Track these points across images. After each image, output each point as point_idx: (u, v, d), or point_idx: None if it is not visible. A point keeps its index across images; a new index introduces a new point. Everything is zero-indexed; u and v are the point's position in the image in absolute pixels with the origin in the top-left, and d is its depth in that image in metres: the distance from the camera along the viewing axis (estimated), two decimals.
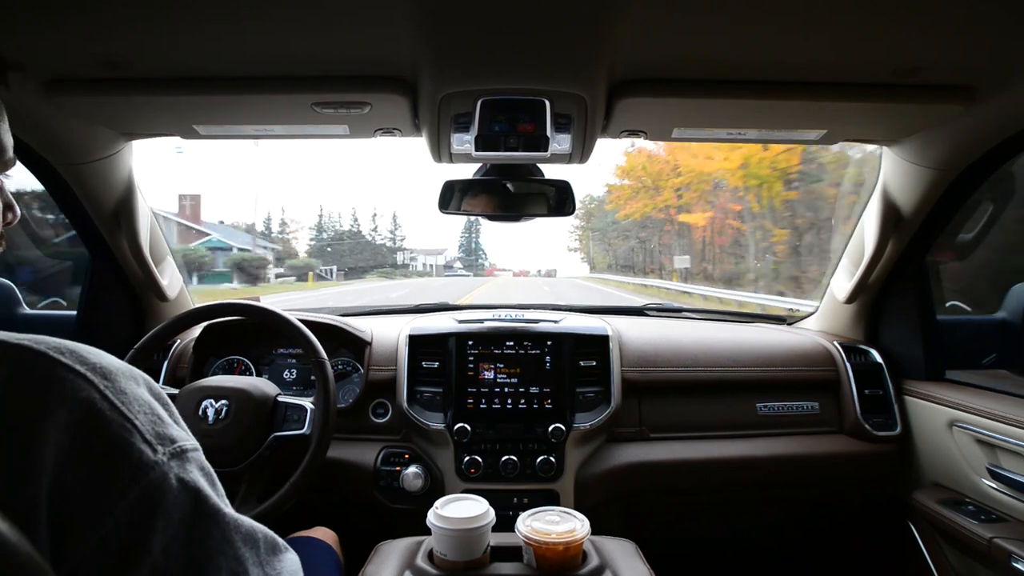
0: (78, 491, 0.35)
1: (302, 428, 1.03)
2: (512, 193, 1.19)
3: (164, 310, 1.45)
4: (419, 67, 0.86)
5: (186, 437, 0.43)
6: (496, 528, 0.83)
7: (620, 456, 1.25)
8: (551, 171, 1.19)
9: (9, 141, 0.52)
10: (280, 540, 0.49)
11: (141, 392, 0.42)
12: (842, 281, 1.43)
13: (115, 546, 0.36)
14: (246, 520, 0.45)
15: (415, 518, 0.92)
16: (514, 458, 1.19)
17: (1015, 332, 1.37)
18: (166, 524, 0.38)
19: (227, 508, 0.43)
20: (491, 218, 1.21)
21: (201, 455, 0.44)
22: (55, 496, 0.35)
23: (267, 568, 0.45)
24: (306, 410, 1.05)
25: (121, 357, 0.44)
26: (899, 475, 1.30)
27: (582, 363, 1.28)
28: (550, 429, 1.20)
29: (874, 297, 1.41)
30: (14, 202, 0.53)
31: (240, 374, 1.33)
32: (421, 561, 0.82)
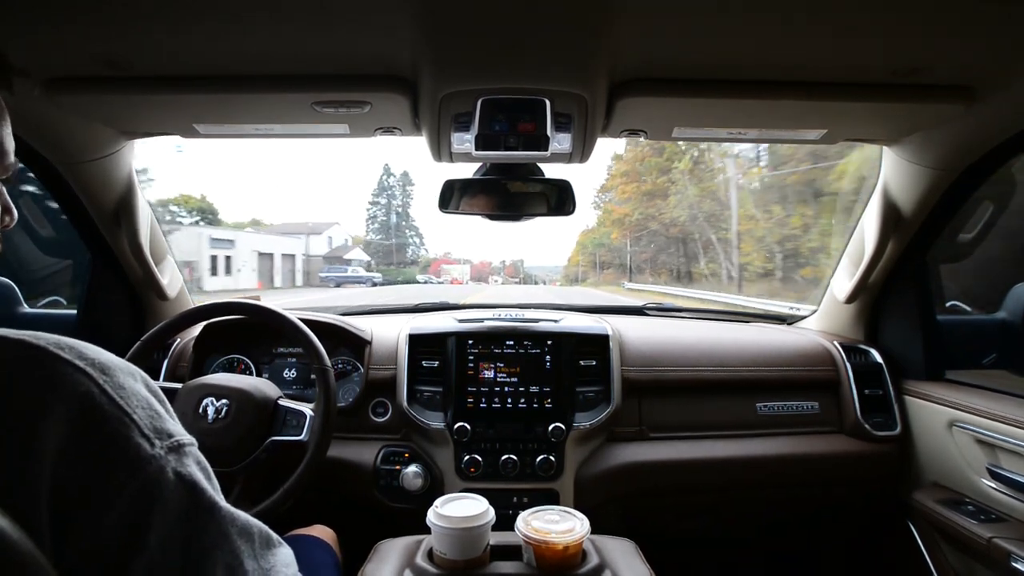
0: (78, 486, 0.36)
1: (300, 434, 1.03)
2: (512, 192, 1.19)
3: (164, 309, 1.45)
4: (419, 66, 0.86)
5: (183, 432, 0.43)
6: (496, 527, 0.83)
7: (620, 456, 1.25)
8: (551, 171, 1.19)
9: (11, 144, 0.52)
10: (274, 535, 0.49)
11: (138, 387, 0.42)
12: (842, 281, 1.43)
13: (114, 540, 0.36)
14: (241, 514, 0.45)
15: (415, 517, 0.92)
16: (514, 457, 1.19)
17: (1015, 332, 1.37)
18: (163, 517, 0.38)
19: (223, 502, 0.44)
20: (491, 218, 1.21)
21: (197, 450, 0.44)
22: (55, 491, 0.35)
23: (261, 561, 0.46)
24: (305, 416, 1.04)
25: (121, 355, 0.44)
26: (899, 475, 1.30)
27: (582, 363, 1.28)
28: (550, 428, 1.20)
29: (874, 297, 1.41)
30: (12, 205, 0.53)
31: (240, 373, 1.33)
32: (421, 560, 0.82)
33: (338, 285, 19.70)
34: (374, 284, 21.15)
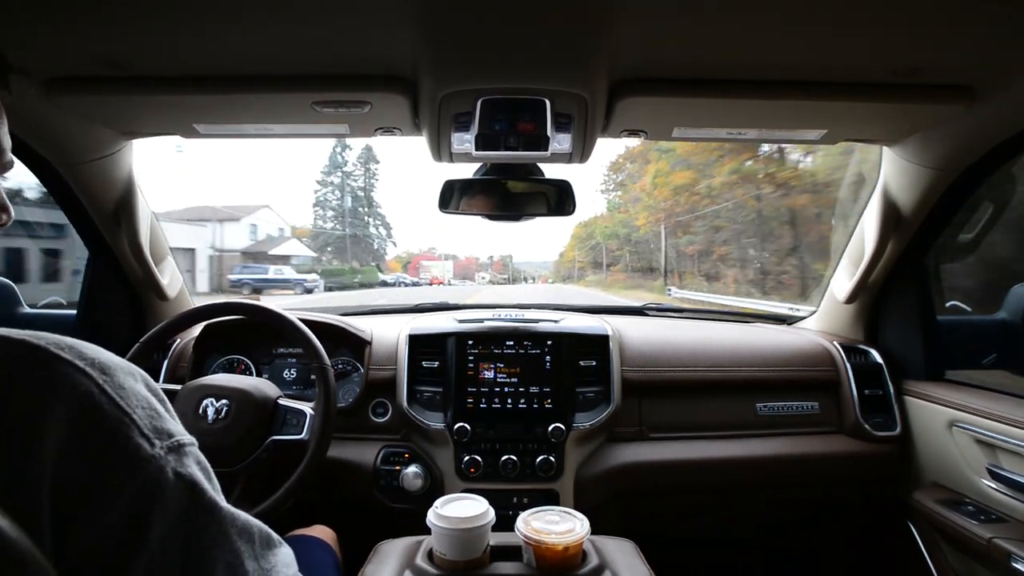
0: (78, 485, 0.36)
1: (300, 433, 1.03)
2: (512, 192, 1.19)
3: (164, 309, 1.45)
4: (419, 66, 0.86)
5: (183, 432, 0.43)
6: (496, 528, 0.83)
7: (620, 456, 1.24)
8: (551, 171, 1.19)
9: (7, 142, 0.52)
10: (274, 535, 0.49)
11: (139, 387, 0.42)
12: (842, 281, 1.43)
13: (114, 539, 0.36)
14: (242, 514, 0.45)
15: (415, 518, 0.92)
16: (514, 458, 1.19)
17: (1015, 332, 1.37)
18: (163, 517, 0.38)
19: (223, 502, 0.44)
20: (491, 218, 1.21)
21: (197, 450, 0.44)
22: (56, 491, 0.35)
23: (262, 561, 0.46)
24: (305, 415, 1.04)
25: (121, 356, 0.44)
26: (899, 475, 1.30)
27: (582, 363, 1.28)
28: (550, 429, 1.20)
29: (874, 297, 1.41)
30: (8, 203, 0.53)
31: (240, 374, 1.33)
32: (421, 560, 0.81)
33: (256, 291, 14.79)
34: (307, 291, 15.96)
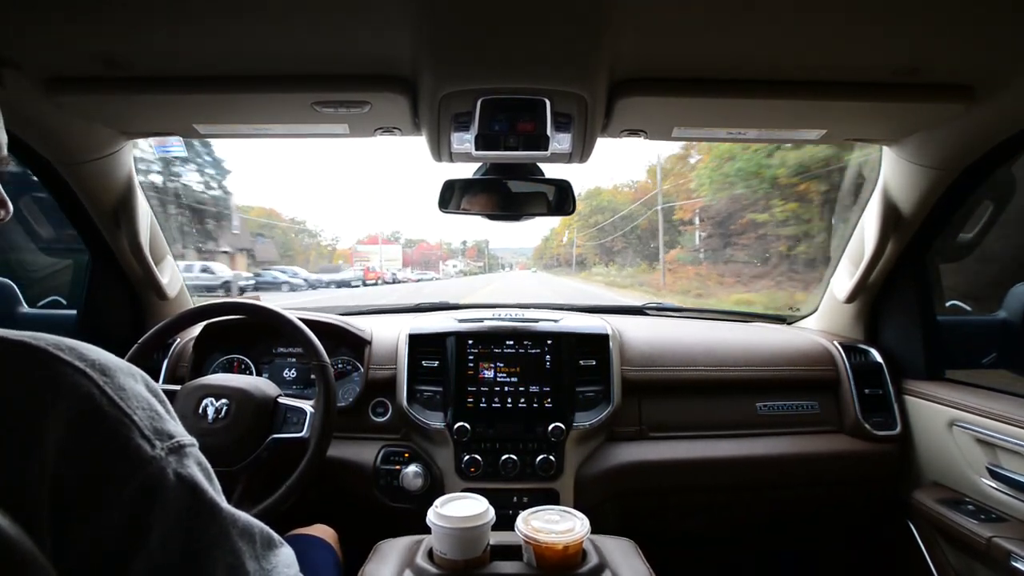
0: (78, 486, 0.36)
1: (301, 431, 1.03)
2: (512, 192, 1.19)
3: (164, 309, 1.45)
4: (419, 66, 0.86)
5: (184, 433, 0.43)
6: (496, 527, 0.83)
7: (620, 455, 1.25)
8: (551, 170, 1.19)
9: (3, 138, 0.52)
10: (275, 535, 0.49)
11: (139, 388, 0.42)
12: (842, 280, 1.43)
13: (114, 540, 0.36)
14: (242, 515, 0.45)
15: (415, 517, 0.93)
16: (514, 457, 1.19)
17: (1015, 332, 1.37)
18: (164, 518, 0.38)
19: (224, 503, 0.44)
20: (491, 217, 1.21)
21: (198, 451, 0.44)
22: (56, 492, 0.35)
23: (263, 561, 0.46)
24: (306, 413, 1.05)
25: (121, 355, 0.44)
26: (899, 474, 1.30)
27: (582, 362, 1.28)
28: (550, 428, 1.20)
29: (874, 297, 1.42)
30: (7, 199, 0.53)
31: (240, 373, 1.33)
32: (421, 560, 0.82)
33: None
34: None
